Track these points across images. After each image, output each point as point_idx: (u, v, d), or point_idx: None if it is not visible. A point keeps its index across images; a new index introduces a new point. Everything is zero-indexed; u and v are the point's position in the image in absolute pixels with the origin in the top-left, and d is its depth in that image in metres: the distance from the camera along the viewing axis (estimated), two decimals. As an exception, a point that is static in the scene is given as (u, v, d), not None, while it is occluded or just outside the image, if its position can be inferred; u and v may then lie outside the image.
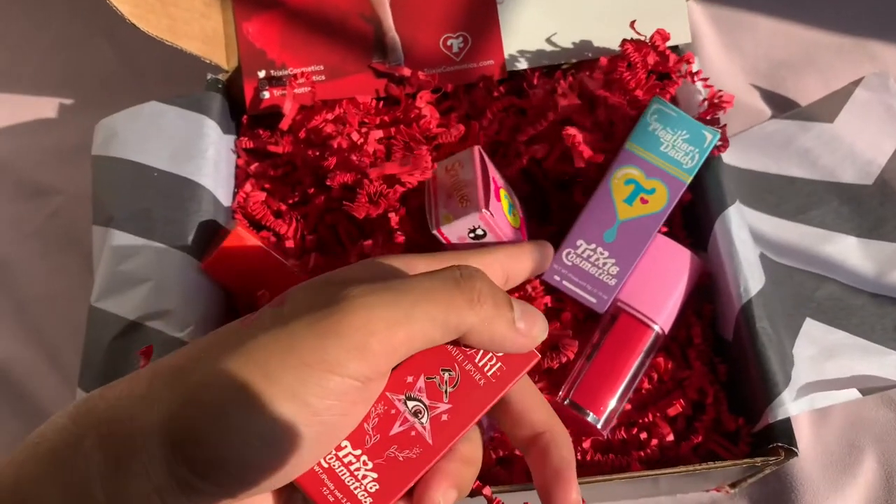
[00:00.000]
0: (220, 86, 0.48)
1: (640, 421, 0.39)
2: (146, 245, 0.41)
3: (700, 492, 0.43)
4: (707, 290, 0.42)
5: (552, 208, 0.45)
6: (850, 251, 0.45)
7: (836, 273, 0.44)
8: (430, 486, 0.24)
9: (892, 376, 0.38)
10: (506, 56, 0.48)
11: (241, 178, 0.47)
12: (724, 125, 0.41)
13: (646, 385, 0.40)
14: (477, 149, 0.40)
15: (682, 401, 0.39)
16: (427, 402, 0.25)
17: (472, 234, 0.38)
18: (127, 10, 0.41)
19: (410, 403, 0.25)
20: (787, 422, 0.35)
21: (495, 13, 0.48)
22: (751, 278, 0.38)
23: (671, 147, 0.39)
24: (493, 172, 0.39)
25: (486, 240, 0.38)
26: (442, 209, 0.38)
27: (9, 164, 0.57)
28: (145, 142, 0.44)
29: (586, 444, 0.39)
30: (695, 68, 0.45)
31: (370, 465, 0.24)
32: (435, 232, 0.38)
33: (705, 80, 0.45)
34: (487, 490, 0.35)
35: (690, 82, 0.44)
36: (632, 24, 0.45)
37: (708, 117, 0.42)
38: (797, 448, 0.35)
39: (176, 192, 0.42)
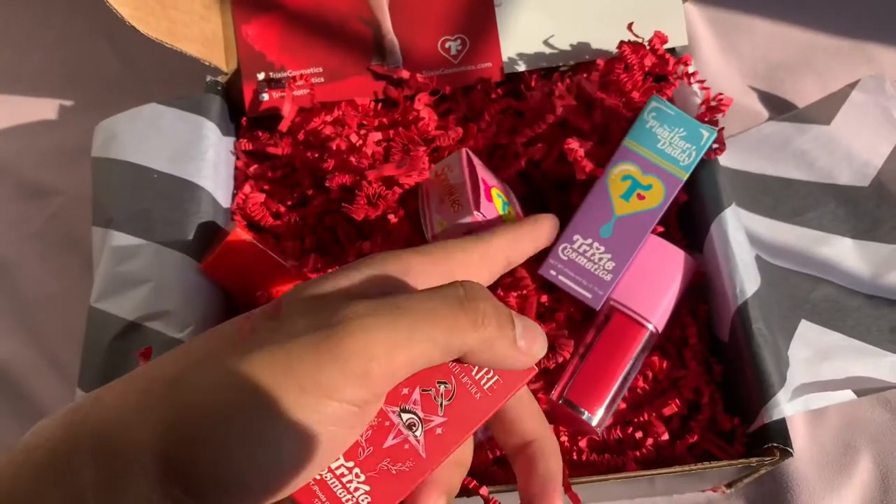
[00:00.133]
0: (219, 88, 0.48)
1: (636, 420, 0.39)
2: (146, 246, 0.41)
3: (696, 492, 0.43)
4: (702, 290, 0.42)
5: (551, 209, 0.45)
6: (846, 253, 0.45)
7: (831, 275, 0.44)
8: (422, 497, 0.24)
9: (887, 378, 0.38)
10: (504, 58, 0.48)
11: (240, 179, 0.47)
12: (722, 128, 0.41)
13: (641, 384, 0.40)
14: (464, 151, 0.40)
15: (677, 400, 0.39)
16: (422, 414, 0.24)
17: None
18: (127, 13, 0.42)
19: (405, 416, 0.24)
20: (782, 422, 0.36)
21: (493, 16, 0.48)
22: (747, 280, 0.39)
23: (668, 144, 0.39)
24: (483, 173, 0.40)
25: None
26: (435, 215, 0.38)
27: (9, 165, 0.57)
28: (145, 143, 0.44)
29: (582, 444, 0.39)
30: (691, 70, 0.45)
31: (363, 478, 0.24)
32: (430, 239, 0.38)
33: (702, 82, 0.45)
34: (484, 490, 0.35)
35: (687, 84, 0.45)
36: (629, 27, 0.45)
37: (706, 119, 0.42)
38: (793, 448, 0.35)
39: (175, 194, 0.43)
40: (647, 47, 0.44)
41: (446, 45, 0.48)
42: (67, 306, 0.50)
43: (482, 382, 0.25)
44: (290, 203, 0.46)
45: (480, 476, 0.36)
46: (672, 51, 0.47)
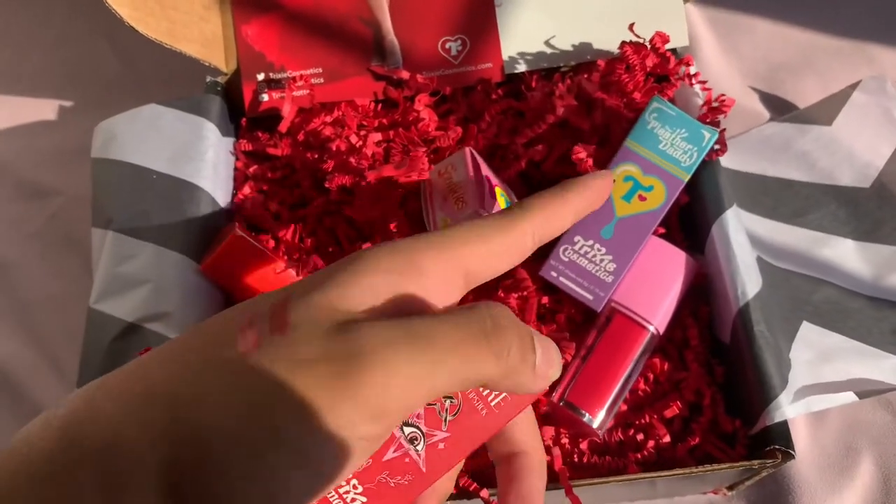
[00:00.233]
0: (219, 88, 0.48)
1: (637, 422, 0.39)
2: (145, 247, 0.41)
3: (697, 494, 0.43)
4: (703, 292, 0.42)
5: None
6: (847, 254, 0.45)
7: (833, 276, 0.44)
8: None
9: (888, 379, 0.38)
10: (504, 59, 0.48)
11: (239, 180, 0.47)
12: (724, 129, 0.41)
13: (642, 386, 0.40)
14: (468, 150, 0.40)
15: (678, 402, 0.39)
16: (424, 429, 0.24)
17: None
18: (126, 13, 0.42)
19: (407, 430, 0.24)
20: (784, 424, 0.36)
21: (493, 16, 0.48)
22: (748, 281, 0.38)
23: (670, 145, 0.39)
24: (487, 171, 0.40)
25: None
26: (439, 213, 0.38)
27: (9, 166, 0.57)
28: (144, 144, 0.44)
29: (583, 446, 0.39)
30: (693, 71, 0.45)
31: (360, 490, 0.23)
32: None
33: (703, 82, 0.45)
34: (485, 493, 0.35)
35: (688, 85, 0.45)
36: (630, 27, 0.45)
37: (707, 120, 0.42)
38: (794, 450, 0.35)
39: (175, 195, 0.43)
40: (649, 47, 0.44)
41: (446, 46, 0.48)
42: (67, 307, 0.50)
43: (489, 399, 0.24)
44: (289, 204, 0.46)
45: (480, 478, 0.36)
46: (673, 51, 0.47)
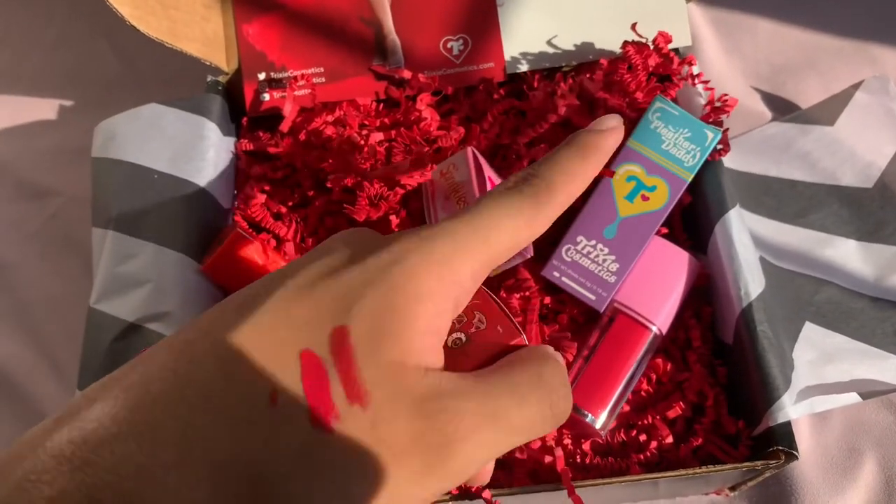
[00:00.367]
0: (220, 88, 0.48)
1: (640, 423, 0.39)
2: (145, 247, 0.41)
3: (699, 495, 0.43)
4: (706, 292, 0.42)
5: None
6: (849, 254, 0.45)
7: (835, 277, 0.44)
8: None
9: (891, 380, 0.38)
10: (506, 58, 0.48)
11: (240, 180, 0.47)
12: (727, 129, 0.41)
13: (645, 387, 0.40)
14: (470, 149, 0.40)
15: (681, 403, 0.39)
16: None
17: None
18: (127, 12, 0.41)
19: None
20: (787, 425, 0.35)
21: (495, 15, 0.48)
22: (751, 282, 0.38)
23: (673, 145, 0.39)
24: (489, 171, 0.39)
25: None
26: (441, 213, 0.38)
27: (9, 166, 0.57)
28: (145, 144, 0.44)
29: (585, 447, 0.39)
30: (695, 71, 0.45)
31: None
32: None
33: (706, 82, 0.45)
34: (487, 493, 0.35)
35: (691, 85, 0.44)
36: (633, 27, 0.45)
37: (710, 120, 0.42)
38: (797, 451, 0.35)
39: (175, 194, 0.42)
40: (651, 47, 0.44)
41: (448, 45, 0.48)
42: (67, 307, 0.50)
43: None
44: (291, 204, 0.46)
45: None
46: (675, 51, 0.47)
